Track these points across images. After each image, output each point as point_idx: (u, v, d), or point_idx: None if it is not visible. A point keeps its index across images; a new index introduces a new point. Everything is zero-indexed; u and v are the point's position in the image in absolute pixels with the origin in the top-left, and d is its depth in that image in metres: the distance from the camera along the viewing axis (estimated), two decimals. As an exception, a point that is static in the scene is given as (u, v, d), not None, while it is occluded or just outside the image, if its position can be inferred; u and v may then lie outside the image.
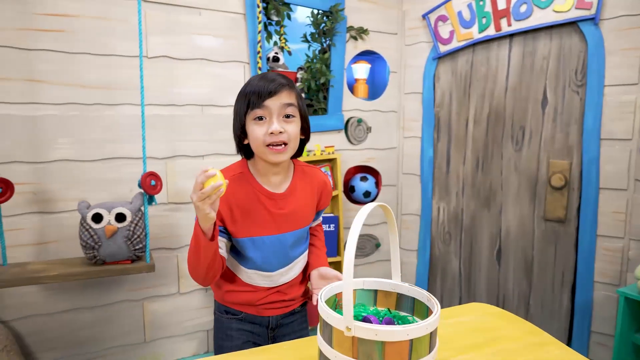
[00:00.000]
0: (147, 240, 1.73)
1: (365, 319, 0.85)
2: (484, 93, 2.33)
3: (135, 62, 1.90)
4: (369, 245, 2.58)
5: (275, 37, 2.31)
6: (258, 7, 2.07)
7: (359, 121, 2.44)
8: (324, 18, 2.29)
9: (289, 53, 2.33)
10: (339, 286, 0.88)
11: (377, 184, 2.57)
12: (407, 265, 2.64)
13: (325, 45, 2.35)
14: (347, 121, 2.43)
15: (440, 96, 2.48)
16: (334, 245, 2.33)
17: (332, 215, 2.32)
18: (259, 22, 2.08)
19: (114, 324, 1.97)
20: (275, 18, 2.22)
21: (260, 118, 1.03)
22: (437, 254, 2.58)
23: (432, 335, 0.74)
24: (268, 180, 1.12)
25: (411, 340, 0.71)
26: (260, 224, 1.10)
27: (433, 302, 0.81)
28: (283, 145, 1.04)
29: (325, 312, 0.76)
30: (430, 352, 0.74)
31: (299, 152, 1.15)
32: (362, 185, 2.51)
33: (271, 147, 1.04)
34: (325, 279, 1.14)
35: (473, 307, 1.21)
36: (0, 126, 1.70)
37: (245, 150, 1.12)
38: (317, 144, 2.28)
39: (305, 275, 1.26)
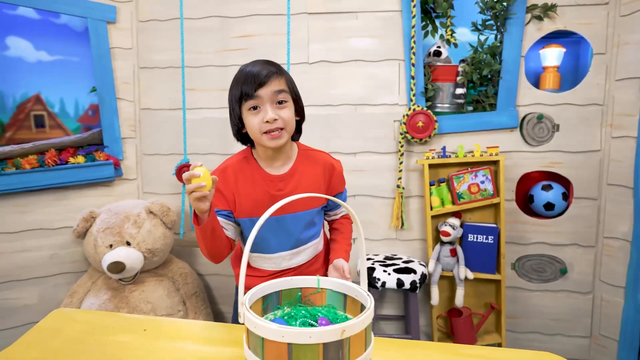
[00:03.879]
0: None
1: (320, 320, 0.80)
2: None
3: (300, 68, 2.17)
4: (549, 269, 2.10)
5: (441, 30, 2.17)
6: (412, 1, 2.00)
7: (540, 117, 2.02)
8: (496, 1, 2.00)
9: (455, 45, 2.14)
10: (273, 284, 0.84)
11: (567, 195, 2.06)
12: (609, 305, 2.01)
13: (502, 31, 2.04)
14: (523, 118, 2.05)
15: (670, 80, 1.78)
16: (493, 261, 2.01)
17: (491, 225, 2.01)
18: (413, 17, 2.01)
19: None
20: (439, 10, 2.09)
21: (255, 107, 1.08)
22: (654, 297, 1.87)
23: (328, 350, 0.64)
24: (270, 164, 1.16)
25: (289, 345, 0.64)
26: (260, 205, 1.13)
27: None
28: (279, 131, 1.08)
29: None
30: (325, 367, 0.65)
31: (298, 134, 1.20)
32: (543, 196, 2.07)
33: (268, 133, 1.07)
34: (336, 271, 1.08)
35: (542, 356, 0.89)
36: (204, 126, 2.25)
37: (244, 138, 1.17)
38: (477, 144, 2.02)
39: (322, 265, 1.22)
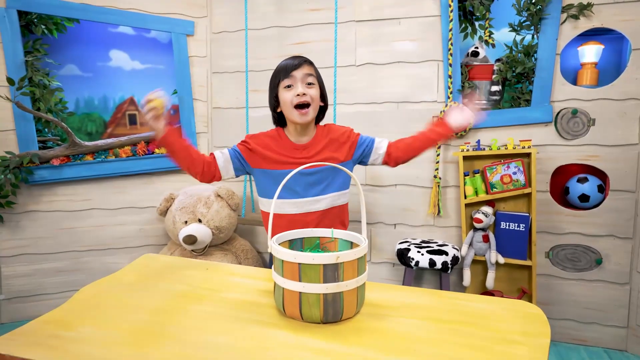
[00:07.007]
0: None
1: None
2: None
3: (348, 70, 2.44)
4: (584, 259, 2.16)
5: (480, 32, 2.32)
6: (450, 6, 2.18)
7: (574, 112, 2.10)
8: (530, 3, 2.12)
9: (493, 46, 2.28)
10: (297, 232, 1.11)
11: (603, 188, 2.12)
12: (646, 296, 2.05)
13: (539, 31, 2.16)
14: (558, 113, 2.14)
15: None
16: (524, 248, 2.13)
17: (523, 214, 2.13)
18: (450, 21, 2.19)
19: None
20: (477, 13, 2.25)
21: (289, 86, 1.38)
22: (690, 289, 1.88)
23: (327, 270, 0.90)
24: (298, 139, 1.46)
25: (300, 264, 0.91)
26: (279, 163, 1.43)
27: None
28: (306, 108, 1.37)
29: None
30: (324, 282, 0.90)
31: (322, 116, 1.49)
32: (578, 188, 2.15)
33: (298, 109, 1.37)
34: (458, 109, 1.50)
35: (514, 304, 1.08)
36: (265, 123, 2.57)
37: (279, 118, 1.47)
38: (511, 138, 2.14)
39: (335, 217, 1.49)
